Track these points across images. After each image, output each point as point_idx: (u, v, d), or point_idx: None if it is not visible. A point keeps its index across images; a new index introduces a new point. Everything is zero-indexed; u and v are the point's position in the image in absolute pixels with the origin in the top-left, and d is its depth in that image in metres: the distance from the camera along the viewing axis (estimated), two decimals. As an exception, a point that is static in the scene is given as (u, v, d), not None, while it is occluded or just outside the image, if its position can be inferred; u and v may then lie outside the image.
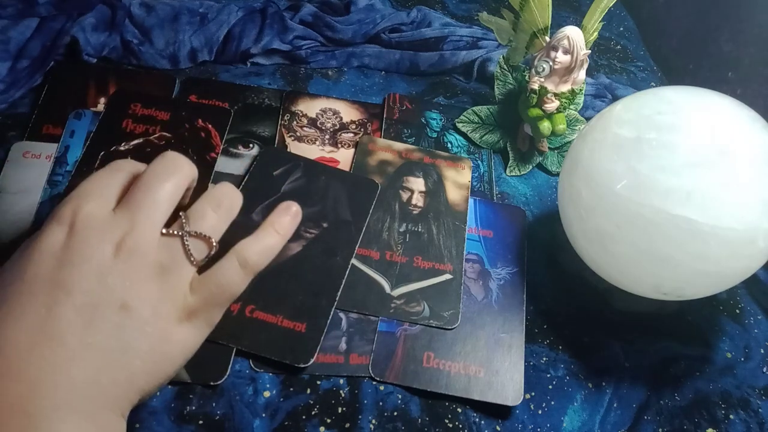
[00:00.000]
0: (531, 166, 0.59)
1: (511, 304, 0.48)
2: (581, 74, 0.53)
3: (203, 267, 0.34)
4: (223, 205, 0.35)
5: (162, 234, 0.33)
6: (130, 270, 0.31)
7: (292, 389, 0.41)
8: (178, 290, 0.32)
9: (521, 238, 0.52)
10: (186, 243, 0.33)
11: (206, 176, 0.50)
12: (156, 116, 0.52)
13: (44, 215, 0.45)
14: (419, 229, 0.51)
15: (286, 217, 0.38)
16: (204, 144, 0.52)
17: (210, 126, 0.53)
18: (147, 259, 0.31)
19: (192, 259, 0.33)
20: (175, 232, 0.33)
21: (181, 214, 0.34)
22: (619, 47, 0.77)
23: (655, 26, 0.82)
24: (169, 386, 0.40)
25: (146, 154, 0.50)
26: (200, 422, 0.39)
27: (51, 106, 0.53)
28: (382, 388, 0.42)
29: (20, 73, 0.54)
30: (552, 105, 0.53)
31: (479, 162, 0.58)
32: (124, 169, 0.35)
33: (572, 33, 0.50)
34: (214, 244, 0.34)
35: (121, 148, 0.49)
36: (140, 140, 0.50)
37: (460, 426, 0.42)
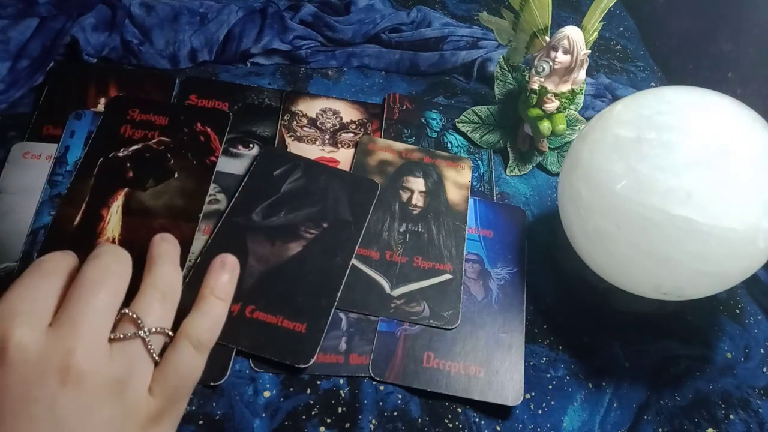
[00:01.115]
0: (531, 166, 0.59)
1: (511, 304, 0.48)
2: (581, 74, 0.53)
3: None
4: (168, 295, 0.32)
5: (111, 340, 0.29)
6: (83, 398, 0.27)
7: (292, 389, 0.41)
8: (138, 402, 0.30)
9: (521, 238, 0.52)
10: (147, 341, 0.30)
11: (206, 180, 0.50)
12: (154, 121, 0.52)
13: (44, 215, 0.45)
14: (419, 229, 0.51)
15: (224, 277, 0.35)
16: (203, 148, 0.52)
17: (209, 129, 0.53)
18: (100, 379, 0.28)
19: (153, 356, 0.30)
20: (131, 334, 0.30)
21: (128, 311, 0.30)
22: (619, 47, 0.77)
23: (655, 26, 0.82)
24: (169, 386, 0.40)
25: (146, 160, 0.50)
26: (200, 422, 0.39)
27: (51, 106, 0.53)
28: (382, 388, 0.42)
29: (20, 73, 0.54)
30: (552, 105, 0.53)
31: (479, 162, 0.58)
32: (52, 272, 0.30)
33: (572, 33, 0.50)
34: (170, 334, 0.32)
35: (120, 155, 0.49)
36: (139, 146, 0.50)
37: (460, 426, 0.42)
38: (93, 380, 0.28)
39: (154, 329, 0.30)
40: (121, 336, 0.29)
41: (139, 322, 0.30)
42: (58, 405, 0.27)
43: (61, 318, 0.29)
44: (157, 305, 0.31)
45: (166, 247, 0.35)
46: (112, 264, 0.31)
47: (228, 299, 0.35)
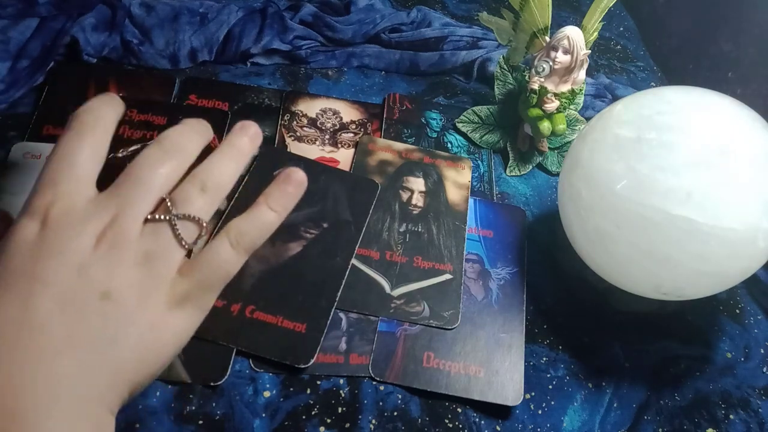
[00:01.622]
0: (531, 166, 0.59)
1: (511, 304, 0.48)
2: (581, 74, 0.53)
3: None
4: (208, 185, 0.32)
5: (146, 221, 0.30)
6: (112, 260, 0.29)
7: (292, 389, 0.41)
8: (165, 276, 0.31)
9: (521, 238, 0.52)
10: (175, 226, 0.31)
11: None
12: (153, 121, 0.52)
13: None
14: (419, 229, 0.51)
15: (284, 189, 0.34)
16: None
17: None
18: (130, 249, 0.30)
19: (183, 242, 0.31)
20: (162, 217, 0.31)
21: (165, 197, 0.31)
22: (619, 47, 0.77)
23: (655, 26, 0.82)
24: (169, 386, 0.40)
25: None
26: (200, 422, 0.39)
27: (51, 106, 0.53)
28: (382, 388, 0.42)
29: (20, 73, 0.54)
30: (552, 105, 0.53)
31: (479, 162, 0.58)
32: (97, 128, 0.32)
33: (572, 33, 0.50)
34: (204, 225, 0.32)
35: (119, 155, 0.49)
36: (138, 146, 0.50)
37: (460, 426, 0.42)
38: (122, 249, 0.29)
39: (183, 215, 0.31)
40: (152, 218, 0.31)
41: (170, 207, 0.31)
42: (85, 260, 0.29)
43: (111, 192, 0.31)
44: (196, 195, 0.32)
45: (240, 142, 0.34)
46: (183, 142, 0.33)
47: (283, 213, 0.34)
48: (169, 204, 0.31)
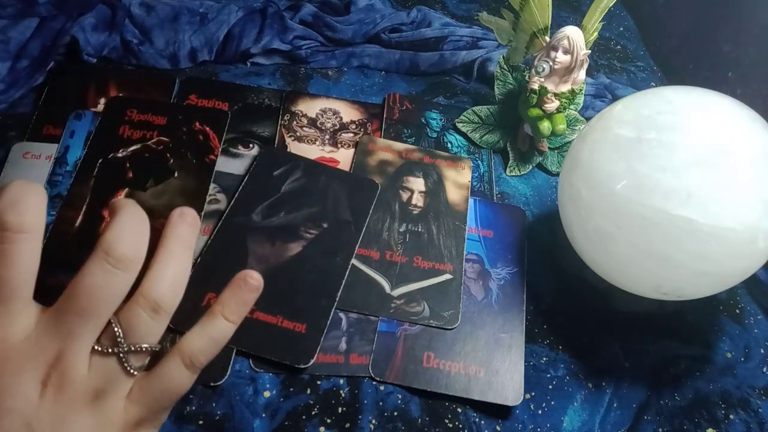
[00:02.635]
0: (531, 166, 0.59)
1: (511, 304, 0.48)
2: (581, 74, 0.53)
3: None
4: (161, 306, 0.29)
5: (93, 351, 0.28)
6: (61, 409, 0.26)
7: (292, 389, 0.41)
8: (116, 409, 0.29)
9: (521, 238, 0.52)
10: (123, 359, 0.28)
11: (206, 178, 0.50)
12: (153, 121, 0.52)
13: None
14: (419, 229, 0.51)
15: (243, 297, 0.31)
16: (202, 147, 0.52)
17: (208, 128, 0.53)
18: (78, 391, 0.27)
19: (132, 371, 0.29)
20: (111, 350, 0.28)
21: (113, 323, 0.28)
22: (619, 47, 0.77)
23: (655, 26, 0.82)
24: (169, 386, 0.40)
25: (145, 160, 0.50)
26: (200, 422, 0.39)
27: (51, 106, 0.53)
28: (382, 388, 0.42)
29: (20, 73, 0.54)
30: (552, 105, 0.53)
31: (479, 162, 0.58)
32: (36, 229, 0.27)
33: (572, 33, 0.50)
34: (154, 350, 0.29)
35: (119, 155, 0.49)
36: (138, 146, 0.50)
37: (460, 426, 0.42)
38: (71, 393, 0.27)
39: (133, 348, 0.28)
40: (100, 349, 0.28)
41: (119, 338, 0.28)
42: (33, 415, 0.26)
43: (53, 319, 0.27)
44: (146, 320, 0.28)
45: (181, 231, 0.30)
46: (135, 249, 0.28)
47: (238, 321, 0.31)
48: (117, 332, 0.28)
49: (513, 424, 0.42)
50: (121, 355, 0.28)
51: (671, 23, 0.80)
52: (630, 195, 0.40)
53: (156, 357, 0.30)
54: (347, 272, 0.46)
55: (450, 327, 0.45)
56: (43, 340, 0.27)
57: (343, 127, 0.58)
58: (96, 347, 0.27)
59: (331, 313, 0.44)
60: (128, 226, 0.28)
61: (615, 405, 0.45)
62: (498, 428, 0.42)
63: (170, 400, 0.30)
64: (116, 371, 0.28)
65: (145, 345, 0.29)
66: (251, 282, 0.31)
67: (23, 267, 0.26)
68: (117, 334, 0.28)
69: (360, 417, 0.41)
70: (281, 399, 0.41)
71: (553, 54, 0.51)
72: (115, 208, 0.29)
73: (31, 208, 0.26)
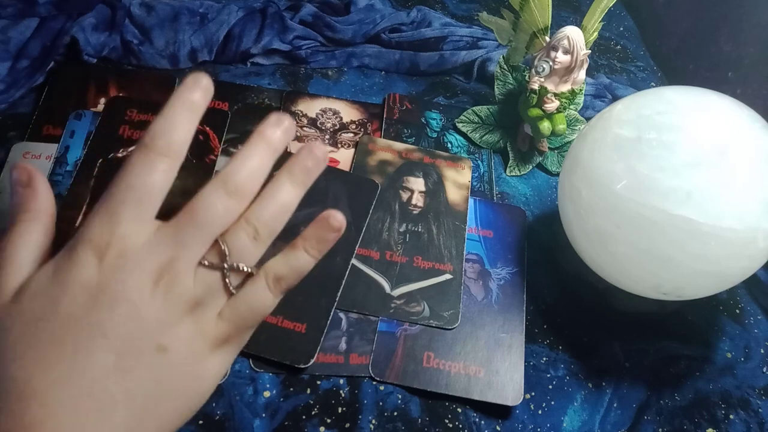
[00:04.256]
0: (531, 166, 0.59)
1: (511, 304, 0.48)
2: (581, 74, 0.53)
3: None
4: (261, 234, 0.32)
5: (200, 264, 0.30)
6: (167, 308, 0.29)
7: (292, 389, 0.41)
8: (210, 322, 0.31)
9: (521, 238, 0.52)
10: (226, 276, 0.31)
11: (206, 178, 0.49)
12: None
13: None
14: (419, 229, 0.51)
15: (327, 235, 0.34)
16: (202, 147, 0.52)
17: (208, 129, 0.53)
18: (184, 296, 0.29)
19: (230, 290, 0.31)
20: (216, 264, 0.30)
21: (219, 241, 0.30)
22: (619, 47, 0.77)
23: (655, 26, 0.82)
24: (169, 386, 0.40)
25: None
26: (200, 422, 0.39)
27: (51, 106, 0.53)
28: (382, 388, 0.42)
29: (20, 73, 0.54)
30: (552, 105, 0.53)
31: (479, 162, 0.58)
32: (166, 151, 0.29)
33: (572, 33, 0.50)
34: (251, 271, 0.32)
35: (119, 155, 0.49)
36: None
37: (460, 426, 0.42)
38: (177, 296, 0.29)
39: (235, 266, 0.31)
40: (207, 263, 0.30)
41: (226, 254, 0.30)
42: (144, 308, 0.28)
43: (170, 230, 0.29)
44: (249, 244, 0.31)
45: (304, 166, 0.33)
46: (251, 184, 0.31)
47: (319, 256, 0.34)
48: (224, 250, 0.30)
49: (513, 424, 0.42)
50: (225, 271, 0.30)
51: (671, 23, 0.80)
52: (630, 195, 0.40)
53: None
54: (347, 272, 0.46)
55: (450, 327, 0.45)
56: (161, 245, 0.29)
57: (343, 127, 0.58)
58: (203, 261, 0.30)
59: (331, 313, 0.44)
60: (250, 161, 0.31)
61: (615, 405, 0.45)
62: (498, 428, 0.42)
63: (255, 320, 0.32)
64: (217, 286, 0.30)
65: (244, 265, 0.31)
66: (333, 222, 0.33)
67: (165, 181, 0.30)
68: (224, 251, 0.30)
69: (360, 417, 0.41)
70: (281, 399, 0.41)
71: (553, 54, 0.51)
72: (255, 134, 0.32)
73: (180, 138, 0.30)
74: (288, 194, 0.33)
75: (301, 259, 0.33)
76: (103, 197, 0.29)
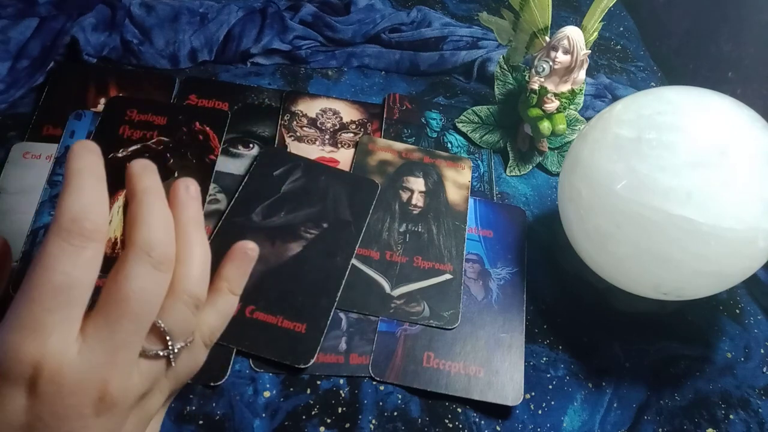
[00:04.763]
0: (531, 166, 0.59)
1: (511, 304, 0.48)
2: (581, 74, 0.53)
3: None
4: (201, 298, 0.29)
5: (142, 356, 0.27)
6: (113, 420, 0.26)
7: (292, 389, 0.41)
8: (154, 404, 0.29)
9: (521, 238, 0.52)
10: (171, 360, 0.28)
11: (206, 178, 0.50)
12: (153, 121, 0.52)
13: (44, 215, 0.45)
14: (419, 229, 0.51)
15: (244, 269, 0.31)
16: (202, 147, 0.52)
17: (208, 128, 0.53)
18: (129, 400, 0.26)
19: (171, 364, 0.28)
20: (160, 354, 0.27)
21: (160, 324, 0.27)
22: (619, 47, 0.77)
23: (655, 26, 0.82)
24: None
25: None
26: (200, 422, 0.39)
27: (51, 106, 0.53)
28: (382, 388, 0.42)
29: (20, 73, 0.54)
30: (552, 105, 0.53)
31: (479, 162, 0.58)
32: (89, 240, 0.25)
33: (572, 33, 0.50)
34: (192, 340, 0.29)
35: (119, 155, 0.49)
36: (138, 146, 0.50)
37: (460, 426, 0.42)
38: (123, 404, 0.26)
39: (180, 346, 0.28)
40: (150, 354, 0.27)
41: (168, 340, 0.27)
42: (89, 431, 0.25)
43: (96, 335, 0.25)
44: (189, 315, 0.28)
45: (193, 213, 0.29)
46: (172, 248, 0.27)
47: (241, 291, 0.32)
48: (164, 331, 0.27)
49: (513, 424, 0.42)
50: (170, 356, 0.28)
51: (671, 23, 0.80)
52: (630, 195, 0.40)
53: None
54: (347, 272, 0.46)
55: (450, 327, 0.45)
56: (97, 352, 0.25)
57: (343, 127, 0.58)
58: (145, 352, 0.27)
59: (331, 313, 0.44)
60: (160, 221, 0.27)
61: (615, 405, 0.45)
62: (498, 428, 0.42)
63: (189, 378, 0.31)
64: (162, 371, 0.28)
65: (191, 340, 0.29)
66: (251, 254, 0.31)
67: (94, 271, 0.25)
68: (164, 333, 0.27)
69: (360, 417, 0.41)
70: (281, 399, 0.41)
71: (553, 54, 0.51)
72: (136, 191, 0.28)
73: (103, 215, 0.26)
74: (201, 245, 0.29)
75: (229, 302, 0.31)
76: (23, 300, 0.24)
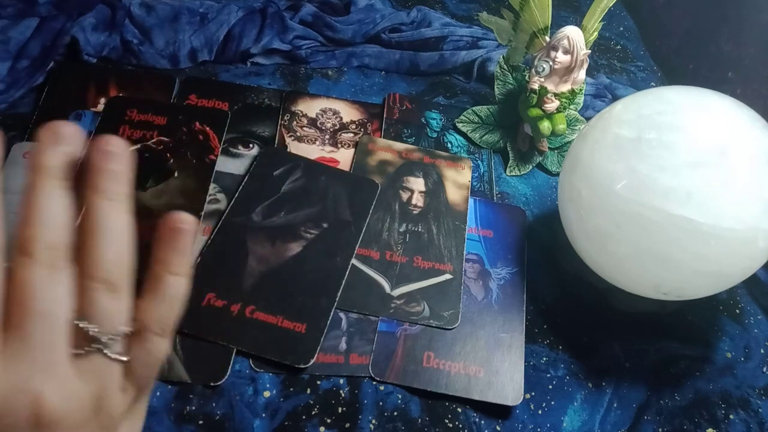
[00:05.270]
0: (531, 166, 0.59)
1: (511, 304, 0.48)
2: (581, 74, 0.53)
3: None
4: (116, 282, 0.27)
5: (72, 356, 0.25)
6: None
7: (292, 389, 0.41)
8: (116, 405, 0.27)
9: (521, 238, 0.52)
10: (106, 352, 0.26)
11: (206, 178, 0.50)
12: (153, 121, 0.52)
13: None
14: (419, 229, 0.51)
15: (181, 246, 0.28)
16: (202, 146, 0.52)
17: (208, 128, 0.53)
18: (77, 411, 0.25)
19: (119, 359, 0.27)
20: (91, 348, 0.26)
21: (78, 323, 0.25)
22: (619, 47, 0.77)
23: (655, 26, 0.82)
24: (169, 386, 0.40)
25: (145, 160, 0.50)
26: (200, 422, 0.39)
27: (51, 106, 0.53)
28: (382, 388, 0.42)
29: (20, 73, 0.54)
30: (552, 105, 0.53)
31: (479, 162, 0.58)
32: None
33: (572, 33, 0.50)
34: (130, 330, 0.27)
35: None
36: (138, 146, 0.50)
37: (460, 426, 0.42)
38: (70, 417, 0.24)
39: (111, 337, 0.26)
40: (80, 353, 0.25)
41: (92, 333, 0.25)
42: None
43: (9, 346, 0.23)
44: (108, 302, 0.26)
45: (108, 172, 0.26)
46: (58, 237, 0.25)
47: (187, 269, 0.28)
48: (85, 328, 0.25)
49: (513, 424, 0.42)
50: (103, 349, 0.26)
51: (671, 23, 0.80)
52: (630, 195, 0.40)
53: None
54: (347, 272, 0.46)
55: (450, 327, 0.45)
56: (16, 364, 0.23)
57: (343, 127, 0.58)
58: (75, 351, 0.25)
59: (331, 313, 0.44)
60: (44, 210, 0.26)
61: (615, 405, 0.45)
62: (498, 428, 0.42)
63: (155, 371, 0.29)
64: (106, 366, 0.26)
65: (119, 329, 0.26)
66: (181, 227, 0.28)
67: (70, 292, 0.25)
68: (85, 330, 0.25)
69: (360, 417, 0.41)
70: (281, 399, 0.41)
71: (553, 54, 0.51)
72: (29, 171, 0.25)
73: (63, 221, 0.25)
74: (115, 219, 0.26)
75: (172, 285, 0.28)
76: (9, 336, 0.23)
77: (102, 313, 0.26)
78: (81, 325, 0.25)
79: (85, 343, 0.25)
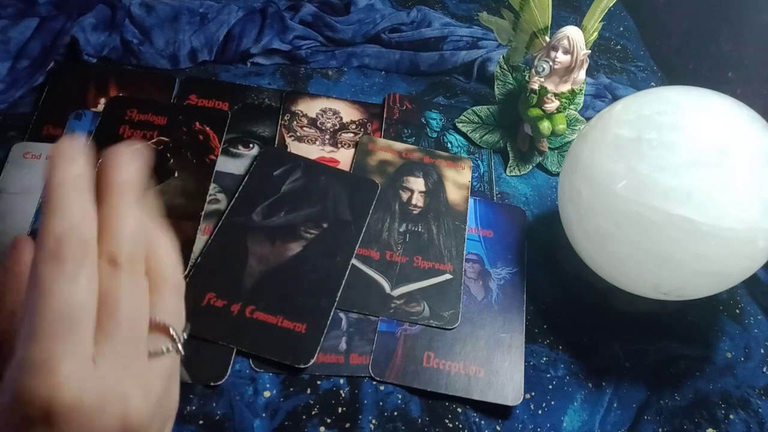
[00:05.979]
0: (531, 166, 0.59)
1: (511, 304, 0.48)
2: (581, 74, 0.53)
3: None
4: (181, 284, 0.29)
5: (150, 355, 0.26)
6: None
7: (292, 389, 0.41)
8: (176, 399, 0.29)
9: (521, 238, 0.52)
10: (181, 350, 0.28)
11: (206, 178, 0.50)
12: (153, 121, 0.52)
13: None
14: (419, 229, 0.51)
15: (121, 174, 0.28)
16: (202, 147, 0.52)
17: (208, 128, 0.53)
18: (153, 409, 0.26)
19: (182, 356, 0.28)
20: (170, 350, 0.27)
21: (159, 322, 0.27)
22: (619, 47, 0.77)
23: (655, 26, 0.82)
24: (169, 386, 0.40)
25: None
26: (200, 422, 0.39)
27: (51, 106, 0.53)
28: (382, 388, 0.42)
29: (20, 73, 0.54)
30: (552, 105, 0.53)
31: (479, 162, 0.58)
32: (81, 257, 0.24)
33: (572, 33, 0.50)
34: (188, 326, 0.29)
35: None
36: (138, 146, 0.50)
37: (460, 426, 0.42)
38: (150, 417, 0.25)
39: (184, 336, 0.28)
40: (160, 351, 0.26)
41: (173, 333, 0.27)
42: None
43: (105, 352, 0.24)
44: (180, 303, 0.28)
45: (127, 199, 0.27)
46: (134, 231, 0.26)
47: (134, 193, 0.28)
48: (171, 331, 0.27)
49: (513, 424, 0.42)
50: (182, 350, 0.27)
51: (671, 23, 0.80)
52: (630, 195, 0.40)
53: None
54: (347, 272, 0.46)
55: (450, 327, 0.45)
56: (108, 370, 0.24)
57: (343, 127, 0.58)
58: (151, 351, 0.26)
59: (331, 313, 0.44)
60: (126, 219, 0.26)
61: (615, 405, 0.45)
62: (498, 428, 0.42)
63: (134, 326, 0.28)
64: (174, 362, 0.28)
65: (187, 325, 0.29)
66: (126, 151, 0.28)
67: (93, 291, 0.25)
68: (168, 328, 0.27)
69: (360, 417, 0.41)
70: (281, 399, 0.41)
71: (553, 54, 0.51)
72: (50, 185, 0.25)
73: (90, 231, 0.25)
74: (135, 220, 0.26)
75: (130, 211, 0.27)
76: (27, 336, 0.22)
77: (174, 314, 0.28)
78: (160, 323, 0.27)
79: (162, 342, 0.27)
